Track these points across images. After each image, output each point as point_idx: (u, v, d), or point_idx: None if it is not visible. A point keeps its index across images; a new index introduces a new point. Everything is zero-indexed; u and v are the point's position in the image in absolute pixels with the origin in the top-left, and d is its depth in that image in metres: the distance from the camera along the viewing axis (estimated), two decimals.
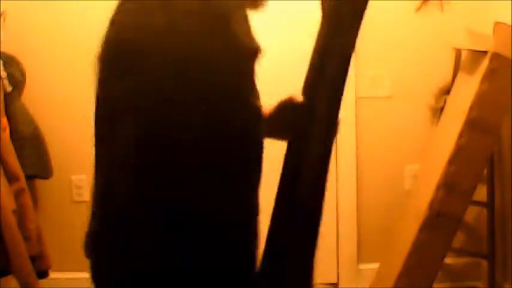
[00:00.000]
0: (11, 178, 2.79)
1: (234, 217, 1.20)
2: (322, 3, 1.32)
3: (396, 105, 3.34)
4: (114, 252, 1.21)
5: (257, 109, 1.26)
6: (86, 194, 3.33)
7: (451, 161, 2.62)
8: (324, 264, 3.40)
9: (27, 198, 2.87)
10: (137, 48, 1.16)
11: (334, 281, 3.44)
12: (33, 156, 3.09)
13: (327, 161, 1.31)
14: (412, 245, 2.68)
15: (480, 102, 2.58)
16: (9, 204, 2.71)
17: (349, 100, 3.30)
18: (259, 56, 1.27)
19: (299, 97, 1.34)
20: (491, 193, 3.08)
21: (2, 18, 3.09)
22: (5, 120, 2.92)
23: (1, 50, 3.01)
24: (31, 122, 3.12)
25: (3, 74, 2.99)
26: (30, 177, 3.05)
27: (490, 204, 3.09)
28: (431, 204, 2.65)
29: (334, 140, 1.35)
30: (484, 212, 3.14)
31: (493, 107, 2.59)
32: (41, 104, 3.25)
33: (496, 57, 2.55)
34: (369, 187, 3.39)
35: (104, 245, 1.22)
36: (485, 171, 2.94)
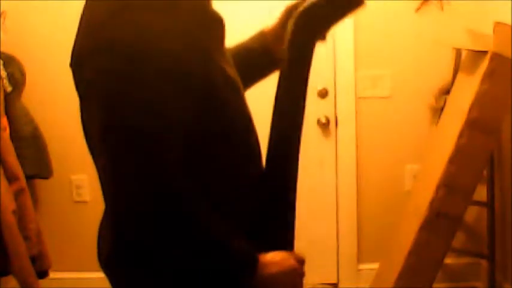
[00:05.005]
0: (11, 178, 2.79)
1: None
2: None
3: (396, 105, 3.34)
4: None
5: (234, 84, 1.27)
6: (86, 194, 3.33)
7: (451, 161, 2.62)
8: (324, 264, 3.40)
9: (27, 198, 2.87)
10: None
11: (334, 281, 3.44)
12: (33, 156, 3.09)
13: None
14: (412, 245, 2.68)
15: (480, 102, 2.58)
16: (9, 204, 2.71)
17: (349, 100, 3.30)
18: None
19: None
20: (491, 193, 3.08)
21: (2, 18, 3.09)
22: (5, 120, 2.92)
23: (1, 50, 3.01)
24: (31, 122, 3.12)
25: (3, 74, 2.99)
26: (30, 177, 3.05)
27: (490, 204, 3.09)
28: (431, 204, 2.65)
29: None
30: (484, 212, 3.14)
31: (493, 107, 2.58)
32: (41, 104, 3.25)
33: (496, 57, 2.54)
34: (369, 187, 3.38)
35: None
36: (485, 171, 2.94)
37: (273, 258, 1.26)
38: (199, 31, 1.20)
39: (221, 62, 1.25)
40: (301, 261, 1.31)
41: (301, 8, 1.38)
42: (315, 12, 1.37)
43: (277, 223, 1.34)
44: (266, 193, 1.32)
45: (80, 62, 1.19)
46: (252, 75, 1.54)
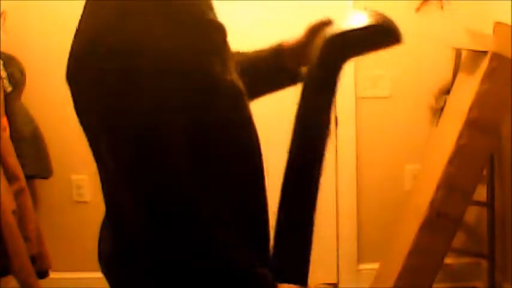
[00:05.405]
0: (11, 178, 2.79)
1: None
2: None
3: (396, 105, 3.34)
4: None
5: (235, 89, 1.26)
6: (86, 194, 3.33)
7: (451, 161, 2.62)
8: (324, 264, 3.40)
9: (27, 198, 2.87)
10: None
11: (334, 281, 3.44)
12: (33, 156, 3.09)
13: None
14: (412, 245, 2.68)
15: (480, 102, 2.58)
16: (9, 204, 2.71)
17: (349, 100, 3.30)
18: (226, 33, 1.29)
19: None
20: (491, 193, 3.08)
21: (2, 18, 3.09)
22: (5, 120, 2.92)
23: (1, 50, 3.01)
24: (31, 122, 3.12)
25: (3, 74, 2.99)
26: (30, 177, 3.05)
27: (490, 204, 3.09)
28: (431, 204, 2.65)
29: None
30: (484, 212, 3.14)
31: (493, 107, 2.58)
32: (41, 104, 3.25)
33: (496, 57, 2.54)
34: (369, 187, 3.38)
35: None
36: (485, 171, 2.94)
37: None
38: (198, 36, 1.20)
39: (221, 67, 1.24)
40: None
41: (334, 31, 1.35)
42: (349, 38, 1.34)
43: (296, 241, 1.33)
44: (285, 209, 1.31)
45: (79, 65, 1.18)
46: (261, 88, 1.53)
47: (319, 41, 1.36)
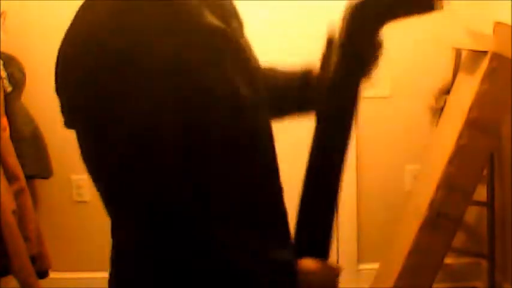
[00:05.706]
0: (11, 178, 2.79)
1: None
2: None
3: (396, 105, 3.34)
4: None
5: (236, 90, 1.24)
6: (86, 194, 3.33)
7: (451, 161, 2.62)
8: None
9: (27, 198, 2.87)
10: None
11: None
12: (33, 156, 3.09)
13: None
14: (412, 245, 2.68)
15: (480, 102, 2.58)
16: (9, 204, 2.71)
17: None
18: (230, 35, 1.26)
19: None
20: (491, 193, 3.08)
21: (2, 18, 3.09)
22: (5, 120, 2.92)
23: (1, 50, 3.01)
24: (31, 122, 3.12)
25: (3, 74, 2.99)
26: (30, 177, 3.05)
27: (490, 204, 3.09)
28: (431, 204, 2.65)
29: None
30: (484, 212, 3.14)
31: (493, 107, 2.58)
32: (41, 104, 3.25)
33: (496, 57, 2.54)
34: (369, 187, 3.38)
35: None
36: (485, 171, 2.94)
37: (310, 267, 1.26)
38: (197, 37, 1.19)
39: (219, 68, 1.23)
40: (337, 273, 1.32)
41: (352, 4, 1.23)
42: (374, 4, 1.23)
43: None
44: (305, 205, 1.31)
45: (75, 66, 1.17)
46: (285, 107, 1.51)
47: (343, 19, 1.25)
